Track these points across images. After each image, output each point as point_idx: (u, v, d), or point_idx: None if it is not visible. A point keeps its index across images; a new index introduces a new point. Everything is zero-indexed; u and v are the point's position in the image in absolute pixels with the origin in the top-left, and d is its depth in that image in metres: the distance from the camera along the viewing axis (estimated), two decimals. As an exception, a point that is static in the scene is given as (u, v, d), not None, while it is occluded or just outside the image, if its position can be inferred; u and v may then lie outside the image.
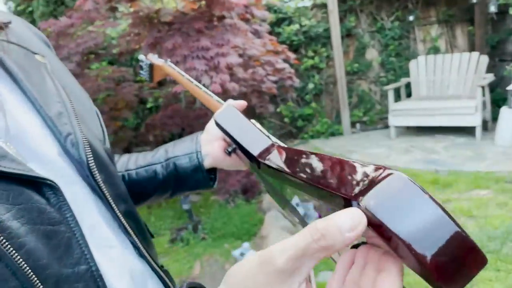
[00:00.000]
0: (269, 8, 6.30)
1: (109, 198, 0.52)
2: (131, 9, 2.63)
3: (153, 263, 0.58)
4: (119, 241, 0.53)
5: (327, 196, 0.36)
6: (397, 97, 6.24)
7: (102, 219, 0.51)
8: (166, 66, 0.92)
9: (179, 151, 0.72)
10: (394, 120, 5.84)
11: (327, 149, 5.85)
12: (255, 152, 0.57)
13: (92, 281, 0.44)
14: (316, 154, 0.43)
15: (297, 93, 6.67)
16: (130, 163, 0.73)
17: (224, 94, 2.72)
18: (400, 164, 4.80)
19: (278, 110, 6.66)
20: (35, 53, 0.56)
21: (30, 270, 0.38)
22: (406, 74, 6.42)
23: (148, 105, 5.50)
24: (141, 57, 0.99)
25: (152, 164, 0.72)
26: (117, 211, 0.53)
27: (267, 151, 0.56)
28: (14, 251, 0.37)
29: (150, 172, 0.72)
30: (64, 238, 0.43)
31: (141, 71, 1.00)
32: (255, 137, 0.60)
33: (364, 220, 0.29)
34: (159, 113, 4.35)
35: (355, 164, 0.35)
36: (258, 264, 0.34)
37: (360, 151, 5.56)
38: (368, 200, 0.29)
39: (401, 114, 5.75)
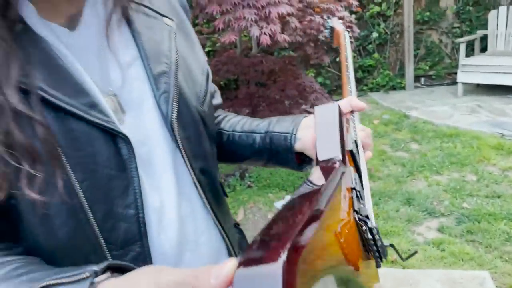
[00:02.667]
0: None
1: (185, 154, 0.60)
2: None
3: (215, 219, 0.66)
4: (184, 194, 0.61)
5: None
6: (470, 51, 5.74)
7: (174, 172, 0.59)
8: (341, 35, 0.91)
9: (278, 128, 0.75)
10: (464, 76, 5.41)
11: (386, 104, 5.61)
12: (319, 157, 0.57)
13: (136, 225, 0.54)
14: (309, 200, 0.41)
15: (359, 42, 6.33)
16: (237, 126, 0.80)
17: (275, 45, 2.65)
18: (463, 125, 4.51)
19: (337, 59, 6.40)
20: (164, 16, 0.64)
21: (85, 200, 0.49)
22: (483, 26, 5.83)
23: (206, 49, 5.52)
24: (329, 20, 1.00)
25: (254, 133, 0.78)
26: (191, 167, 0.61)
27: (326, 163, 0.55)
28: (77, 182, 0.49)
29: (250, 139, 0.78)
30: (122, 184, 0.53)
31: (325, 30, 1.03)
32: (330, 145, 0.59)
33: (226, 280, 0.32)
34: (213, 59, 4.35)
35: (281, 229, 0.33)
36: (151, 269, 0.40)
37: (421, 108, 5.27)
38: (236, 275, 0.29)
39: (472, 70, 5.30)
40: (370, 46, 6.38)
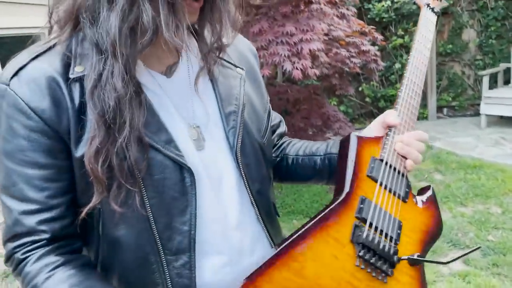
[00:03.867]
0: (360, -18, 6.08)
1: (245, 178, 0.74)
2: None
3: (266, 233, 0.77)
4: (244, 211, 0.74)
5: None
6: (493, 83, 5.78)
7: (237, 191, 0.73)
8: (422, 11, 0.90)
9: (334, 149, 0.87)
10: (487, 108, 5.44)
11: (408, 134, 5.65)
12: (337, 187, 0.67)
13: (187, 240, 0.67)
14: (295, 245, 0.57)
15: (382, 72, 6.44)
16: (300, 150, 0.92)
17: (305, 78, 2.77)
18: (488, 157, 4.52)
19: (360, 88, 6.51)
20: (237, 67, 0.79)
21: (151, 213, 0.64)
22: (506, 59, 5.88)
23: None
24: None
25: (314, 155, 0.90)
26: (249, 189, 0.74)
27: (336, 194, 0.66)
28: (147, 199, 0.64)
29: (312, 161, 0.90)
30: (182, 205, 0.66)
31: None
32: (342, 177, 0.68)
33: None
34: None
35: None
36: None
37: (444, 138, 5.30)
38: None
39: (496, 102, 5.33)
40: (393, 76, 6.48)
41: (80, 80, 0.62)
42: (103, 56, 0.60)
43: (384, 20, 6.16)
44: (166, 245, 0.66)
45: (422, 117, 6.30)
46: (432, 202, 0.72)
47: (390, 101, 6.55)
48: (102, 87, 0.60)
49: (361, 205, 0.66)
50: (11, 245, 0.64)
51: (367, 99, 6.54)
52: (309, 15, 2.59)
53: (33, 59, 0.63)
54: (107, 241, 0.67)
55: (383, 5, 6.08)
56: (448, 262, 0.66)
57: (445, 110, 6.45)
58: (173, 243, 0.66)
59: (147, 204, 0.64)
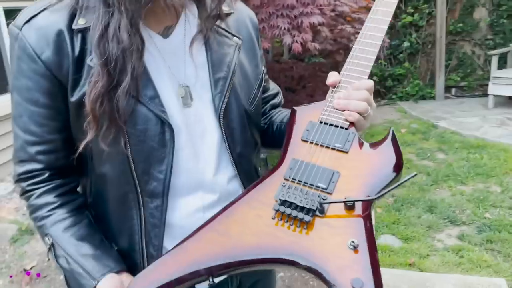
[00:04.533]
0: (371, -42, 5.96)
1: (226, 140, 0.80)
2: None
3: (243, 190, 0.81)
4: (222, 169, 0.81)
5: None
6: (503, 64, 5.69)
7: (217, 150, 0.80)
8: None
9: None
10: (495, 88, 5.38)
11: (414, 113, 5.64)
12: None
13: (161, 187, 0.74)
14: None
15: (391, 51, 6.38)
16: (285, 118, 0.94)
17: (306, 53, 2.77)
18: (491, 137, 4.50)
19: (367, 67, 6.46)
20: (234, 36, 0.82)
21: (131, 156, 0.72)
22: (518, 38, 5.78)
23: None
24: None
25: None
26: (230, 150, 0.80)
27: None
28: (129, 145, 0.71)
29: None
30: (161, 155, 0.74)
31: None
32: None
33: None
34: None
35: None
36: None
37: (450, 118, 5.28)
38: None
39: (504, 82, 5.27)
40: (401, 55, 6.42)
41: (82, 31, 0.69)
42: (110, 9, 0.66)
43: (394, -3, 6.06)
44: (144, 187, 0.75)
45: (429, 96, 6.26)
46: (386, 144, 0.71)
47: (398, 80, 6.50)
48: (108, 37, 0.66)
49: (290, 167, 0.71)
50: (18, 169, 0.76)
51: (374, 78, 6.49)
52: (310, -12, 2.59)
53: (44, 9, 0.71)
54: (96, 175, 0.77)
55: (393, -18, 5.97)
56: (377, 198, 0.64)
57: (453, 90, 6.39)
58: (149, 187, 0.75)
59: (129, 149, 0.72)
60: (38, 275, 2.54)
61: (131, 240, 0.78)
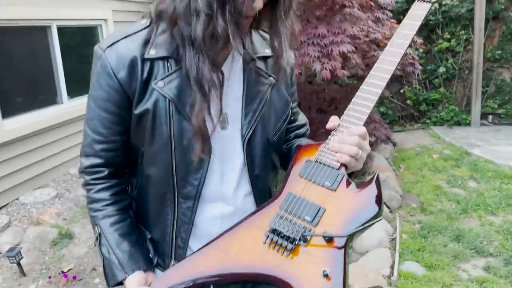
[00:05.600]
0: (408, -16, 6.00)
1: (246, 163, 0.93)
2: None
3: (255, 206, 0.95)
4: (241, 188, 0.94)
5: None
6: (543, 92, 5.55)
7: (239, 171, 0.93)
8: (413, 6, 0.93)
9: None
10: (533, 118, 5.24)
11: (447, 139, 5.57)
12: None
13: (195, 191, 0.90)
14: None
15: (426, 75, 6.35)
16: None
17: (334, 79, 2.86)
18: (527, 167, 4.39)
19: (401, 90, 6.45)
20: (269, 76, 0.96)
21: (175, 165, 0.88)
22: (560, 67, 5.62)
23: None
24: None
25: None
26: (248, 172, 0.94)
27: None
28: (174, 155, 0.87)
29: None
30: (198, 166, 0.88)
31: None
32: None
33: None
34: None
35: None
36: None
37: (484, 146, 5.18)
38: None
39: (543, 112, 5.13)
40: (437, 80, 6.37)
41: (151, 60, 0.85)
42: (196, 51, 0.81)
43: (430, 22, 6.06)
44: (180, 190, 0.90)
45: (465, 123, 6.16)
46: (371, 186, 0.79)
47: (433, 104, 6.45)
48: (198, 73, 0.82)
49: (286, 199, 0.82)
50: (84, 162, 0.93)
51: (409, 102, 6.47)
52: (341, 18, 2.68)
53: (125, 37, 0.87)
54: (143, 175, 0.94)
55: (430, 7, 5.97)
56: (347, 236, 0.72)
57: (490, 117, 6.26)
58: (185, 190, 0.90)
59: (173, 159, 0.87)
60: (74, 277, 2.71)
61: (164, 232, 0.94)
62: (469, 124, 6.15)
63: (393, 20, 3.79)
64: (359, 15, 2.70)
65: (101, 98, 0.87)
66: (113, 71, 0.84)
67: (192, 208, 0.91)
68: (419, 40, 3.85)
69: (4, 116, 3.59)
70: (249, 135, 0.91)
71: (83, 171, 0.94)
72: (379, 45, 3.75)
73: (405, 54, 3.72)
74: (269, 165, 0.99)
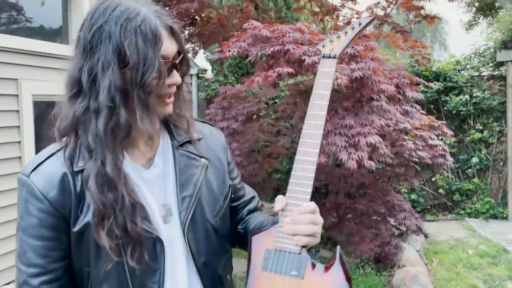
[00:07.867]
0: (438, 75, 6.13)
1: (190, 252, 0.90)
2: (291, 81, 3.02)
3: None
4: (192, 281, 0.91)
5: None
6: None
7: (185, 263, 0.91)
8: (320, 67, 0.94)
9: None
10: None
11: (483, 233, 5.28)
12: None
13: None
14: None
15: (459, 165, 6.22)
16: (258, 224, 1.03)
17: (361, 168, 2.85)
18: None
19: (433, 178, 6.30)
20: (202, 157, 0.96)
21: (128, 271, 0.83)
22: None
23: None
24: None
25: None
26: (194, 261, 0.91)
27: None
28: (127, 261, 0.82)
29: None
30: (154, 268, 0.85)
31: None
32: None
33: None
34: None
35: None
36: None
37: (524, 244, 4.87)
38: None
39: None
40: (470, 170, 6.22)
41: (81, 172, 0.82)
42: (93, 154, 0.80)
43: (461, 113, 6.07)
44: None
45: (502, 216, 5.88)
46: (335, 266, 0.77)
47: (467, 195, 6.23)
48: (97, 180, 0.80)
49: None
50: None
51: (441, 191, 6.28)
52: (369, 110, 2.74)
53: (48, 157, 0.85)
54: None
55: (460, 99, 6.01)
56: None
57: (529, 212, 5.95)
58: None
59: (126, 264, 0.82)
60: None
61: None
62: (506, 218, 5.85)
63: (422, 112, 3.82)
64: (387, 108, 2.75)
65: (32, 225, 0.81)
66: (42, 194, 0.81)
67: None
68: (449, 132, 3.82)
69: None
70: (188, 220, 0.90)
71: None
72: (411, 135, 3.75)
73: (435, 145, 3.68)
74: (218, 250, 0.96)
